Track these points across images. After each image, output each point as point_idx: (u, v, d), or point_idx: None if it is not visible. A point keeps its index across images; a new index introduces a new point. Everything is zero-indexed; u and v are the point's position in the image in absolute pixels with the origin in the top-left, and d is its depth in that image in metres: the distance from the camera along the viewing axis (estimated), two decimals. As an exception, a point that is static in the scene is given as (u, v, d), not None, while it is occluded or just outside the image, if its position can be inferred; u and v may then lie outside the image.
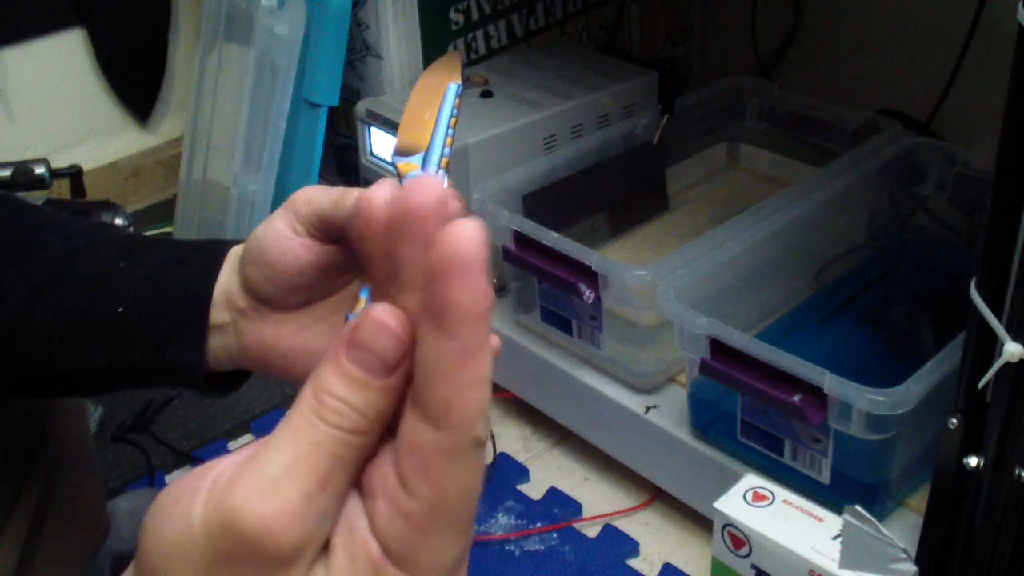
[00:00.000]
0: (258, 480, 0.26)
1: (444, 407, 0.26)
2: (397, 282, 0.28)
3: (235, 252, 0.54)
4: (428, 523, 0.27)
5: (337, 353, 0.27)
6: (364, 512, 0.28)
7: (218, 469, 0.27)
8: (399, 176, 0.42)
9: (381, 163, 1.22)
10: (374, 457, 0.28)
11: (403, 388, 0.27)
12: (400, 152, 0.42)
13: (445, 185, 0.35)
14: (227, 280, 0.53)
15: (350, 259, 0.50)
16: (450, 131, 0.43)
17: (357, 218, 0.32)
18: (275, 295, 0.51)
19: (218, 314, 0.53)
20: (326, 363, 0.27)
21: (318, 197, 0.48)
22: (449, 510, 0.27)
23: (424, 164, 0.42)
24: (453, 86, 0.43)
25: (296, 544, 0.26)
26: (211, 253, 0.55)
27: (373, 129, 1.21)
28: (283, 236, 0.49)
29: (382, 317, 0.27)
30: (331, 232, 0.49)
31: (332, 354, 0.27)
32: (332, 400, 0.27)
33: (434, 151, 0.42)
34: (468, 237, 0.25)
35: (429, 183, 0.28)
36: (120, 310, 0.54)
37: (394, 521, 0.27)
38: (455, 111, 0.43)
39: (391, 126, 1.18)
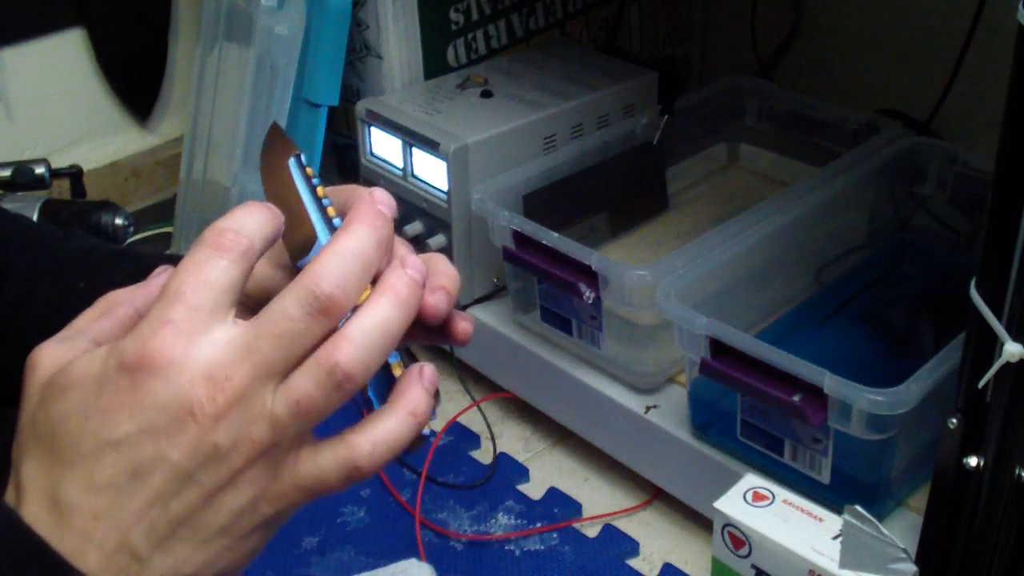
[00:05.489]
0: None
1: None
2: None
3: None
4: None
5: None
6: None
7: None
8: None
9: (381, 163, 1.22)
10: None
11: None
12: (300, 254, 0.43)
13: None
14: None
15: None
16: (326, 201, 0.44)
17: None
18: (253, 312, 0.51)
19: None
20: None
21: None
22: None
23: (319, 245, 0.42)
24: (291, 162, 0.43)
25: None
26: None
27: (373, 129, 1.21)
28: (258, 274, 0.48)
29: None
30: None
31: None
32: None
33: (321, 230, 0.43)
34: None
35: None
36: None
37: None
38: (316, 180, 0.44)
39: (391, 126, 1.18)
